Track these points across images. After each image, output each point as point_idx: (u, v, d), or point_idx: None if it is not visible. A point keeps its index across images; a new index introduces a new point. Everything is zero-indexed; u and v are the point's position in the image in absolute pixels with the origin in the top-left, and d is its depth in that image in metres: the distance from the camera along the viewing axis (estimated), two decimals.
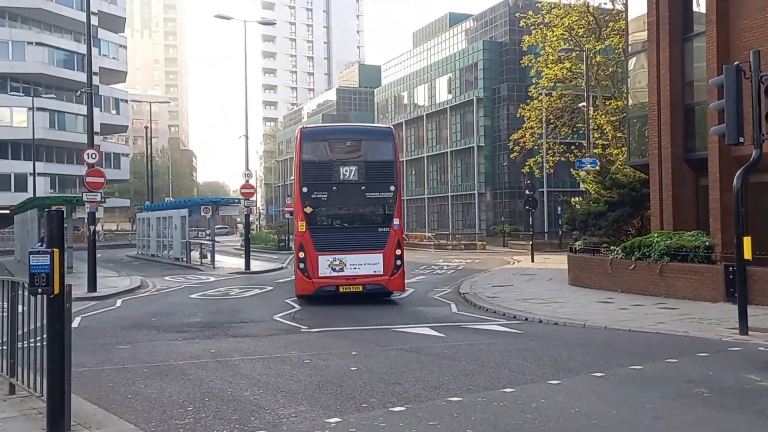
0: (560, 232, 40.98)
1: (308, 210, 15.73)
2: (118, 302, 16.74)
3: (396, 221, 15.81)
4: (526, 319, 12.79)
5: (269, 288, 19.79)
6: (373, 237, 15.63)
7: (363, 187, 15.75)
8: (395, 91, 68.26)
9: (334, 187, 15.72)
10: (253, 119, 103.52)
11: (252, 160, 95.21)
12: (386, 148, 16.46)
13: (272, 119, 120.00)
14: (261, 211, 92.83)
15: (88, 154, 18.41)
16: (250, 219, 32.17)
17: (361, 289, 15.39)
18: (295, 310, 14.64)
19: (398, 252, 15.59)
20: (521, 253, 35.82)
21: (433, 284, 20.47)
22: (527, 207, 29.89)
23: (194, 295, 18.00)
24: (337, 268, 15.41)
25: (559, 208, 43.74)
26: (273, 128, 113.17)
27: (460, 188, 56.73)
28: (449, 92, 59.03)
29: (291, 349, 9.76)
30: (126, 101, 64.47)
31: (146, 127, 51.39)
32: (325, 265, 15.39)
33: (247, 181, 27.88)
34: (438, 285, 20.20)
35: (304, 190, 15.73)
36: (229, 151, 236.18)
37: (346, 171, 15.81)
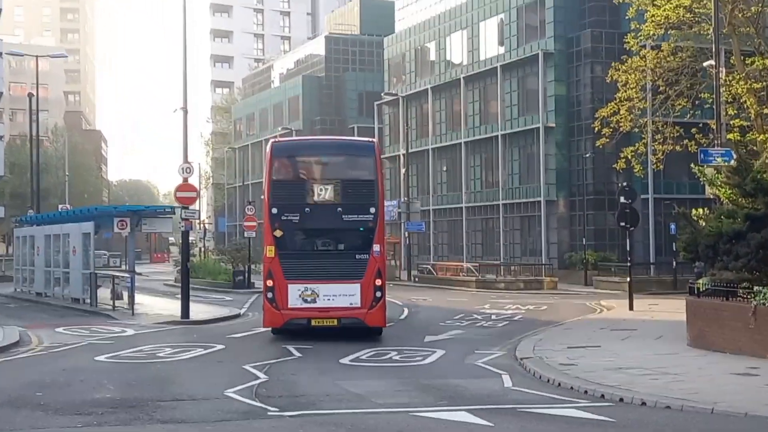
0: (675, 263, 40.69)
1: (278, 233, 20.31)
2: None
3: (377, 247, 20.46)
4: (621, 400, 12.80)
5: (219, 347, 19.87)
6: (349, 265, 20.37)
7: (339, 209, 20.47)
8: (416, 42, 68.57)
9: (307, 209, 20.50)
10: (196, 84, 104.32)
11: (194, 147, 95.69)
12: (367, 165, 21.50)
13: (226, 83, 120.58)
14: (207, 226, 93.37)
15: None
16: (190, 239, 32.21)
17: (335, 323, 20.17)
18: (259, 381, 14.71)
19: (378, 282, 20.29)
20: (613, 295, 35.66)
21: (475, 343, 20.53)
22: (623, 223, 29.81)
23: (102, 357, 18.10)
24: (309, 299, 20.03)
25: (672, 226, 43.52)
26: (227, 98, 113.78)
27: (517, 193, 56.76)
28: (501, 43, 59.19)
29: None
30: None
31: (30, 95, 51.82)
32: (295, 294, 20.06)
33: (186, 180, 28.00)
34: (482, 345, 20.26)
35: (274, 211, 20.38)
36: (158, 134, 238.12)
37: (321, 190, 20.71)
